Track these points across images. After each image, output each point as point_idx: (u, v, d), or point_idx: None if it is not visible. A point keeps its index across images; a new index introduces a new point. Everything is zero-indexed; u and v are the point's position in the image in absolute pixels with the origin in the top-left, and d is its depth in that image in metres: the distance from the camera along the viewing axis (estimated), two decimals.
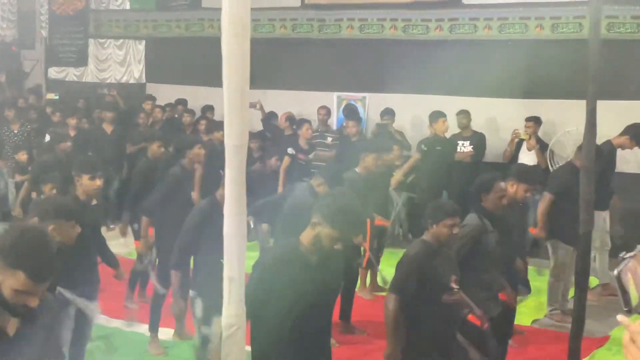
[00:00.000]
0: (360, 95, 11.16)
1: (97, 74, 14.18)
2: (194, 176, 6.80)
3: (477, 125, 9.59)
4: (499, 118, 9.97)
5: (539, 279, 7.46)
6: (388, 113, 10.11)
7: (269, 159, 8.65)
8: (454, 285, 4.28)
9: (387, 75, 10.78)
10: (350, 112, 10.27)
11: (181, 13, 13.01)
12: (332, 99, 11.19)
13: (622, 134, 7.53)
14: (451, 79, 9.90)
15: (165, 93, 12.71)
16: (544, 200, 6.97)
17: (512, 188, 5.44)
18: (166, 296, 6.43)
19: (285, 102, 11.16)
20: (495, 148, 9.66)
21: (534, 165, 8.44)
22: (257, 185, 8.45)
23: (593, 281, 7.66)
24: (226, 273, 3.22)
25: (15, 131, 10.72)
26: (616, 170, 7.77)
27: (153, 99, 12.11)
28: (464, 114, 9.47)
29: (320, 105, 10.42)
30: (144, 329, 6.47)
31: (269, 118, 10.88)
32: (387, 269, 7.81)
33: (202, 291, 5.05)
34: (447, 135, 9.44)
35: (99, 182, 5.08)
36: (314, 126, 10.26)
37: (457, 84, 9.97)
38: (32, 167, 8.63)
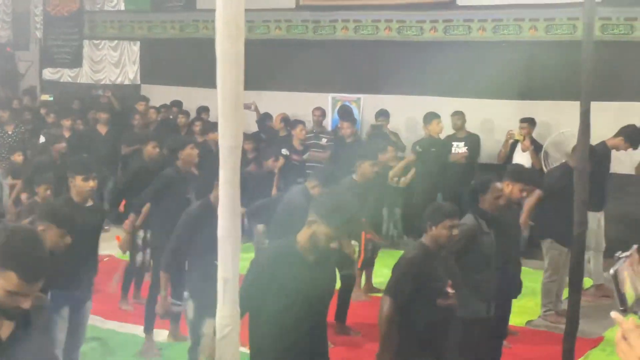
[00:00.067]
0: (355, 96, 11.16)
1: (91, 75, 14.16)
2: (190, 177, 6.77)
3: (471, 126, 9.60)
4: (493, 119, 9.98)
5: (533, 280, 7.46)
6: (383, 114, 10.11)
7: (266, 160, 8.64)
8: (449, 290, 4.27)
9: (382, 76, 10.78)
10: (345, 113, 10.27)
11: (176, 14, 13.00)
12: (327, 100, 11.19)
13: (617, 135, 7.55)
14: (446, 80, 9.92)
15: (160, 94, 12.69)
16: (533, 195, 6.92)
17: (507, 188, 5.44)
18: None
19: (280, 103, 11.15)
20: (490, 149, 9.67)
21: (532, 168, 8.46)
22: (252, 186, 8.48)
23: (587, 282, 7.67)
24: (220, 274, 3.22)
25: (10, 132, 10.69)
26: (610, 171, 7.79)
27: (146, 99, 12.10)
28: (459, 115, 9.49)
29: (315, 107, 10.42)
30: (138, 330, 6.46)
31: (264, 119, 10.87)
32: (382, 269, 7.82)
33: (195, 293, 5.04)
34: (442, 136, 9.46)
35: (92, 183, 5.06)
36: (309, 127, 10.27)
37: (452, 85, 9.98)
38: (26, 168, 8.61)
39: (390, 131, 10.00)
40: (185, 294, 5.17)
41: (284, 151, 9.24)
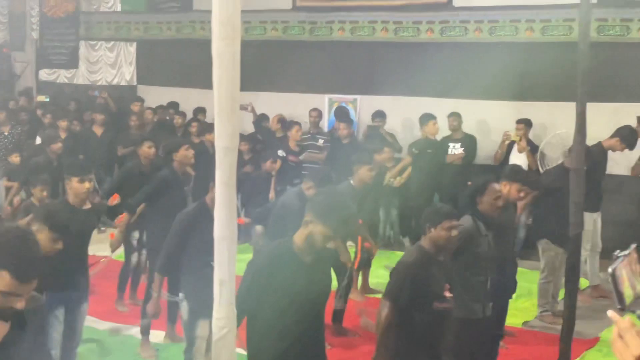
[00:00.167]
0: (351, 97, 11.16)
1: (88, 76, 14.14)
2: (187, 178, 6.77)
3: (468, 127, 9.61)
4: (489, 120, 9.99)
5: (529, 280, 7.47)
6: (379, 115, 10.12)
7: (264, 162, 8.64)
8: (447, 294, 4.26)
9: (379, 77, 10.78)
10: (342, 114, 10.27)
11: (172, 15, 12.98)
12: (324, 101, 11.19)
13: (613, 136, 7.55)
14: (442, 81, 9.92)
15: (157, 95, 12.68)
16: (528, 195, 6.90)
17: (505, 188, 5.45)
18: None
19: (277, 104, 11.15)
20: (486, 150, 9.68)
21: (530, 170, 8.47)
22: (249, 187, 8.49)
23: (583, 283, 7.68)
24: (217, 275, 3.21)
25: (6, 133, 10.68)
26: (606, 172, 7.79)
27: (141, 100, 12.09)
28: (455, 116, 9.49)
29: (311, 108, 10.42)
30: (135, 331, 6.45)
31: (261, 120, 10.87)
32: (378, 270, 7.83)
33: (190, 294, 5.04)
34: (438, 137, 9.46)
35: (88, 185, 5.04)
36: (306, 128, 10.26)
37: (448, 86, 9.99)
38: (22, 169, 8.59)
39: (387, 132, 10.01)
40: (181, 295, 5.16)
41: (281, 152, 9.24)
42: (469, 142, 9.49)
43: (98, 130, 10.82)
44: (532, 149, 9.10)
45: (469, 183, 5.70)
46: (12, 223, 4.27)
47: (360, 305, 7.13)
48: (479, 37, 10.13)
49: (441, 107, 9.66)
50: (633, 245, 2.52)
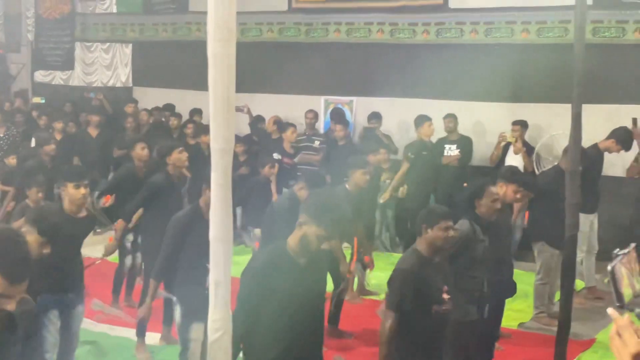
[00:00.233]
0: (347, 99, 11.16)
1: (83, 78, 14.12)
2: (182, 181, 6.75)
3: (464, 129, 9.62)
4: (485, 122, 10.00)
5: (525, 282, 7.47)
6: (375, 117, 10.13)
7: (262, 167, 8.64)
8: (445, 297, 4.25)
9: (374, 79, 10.79)
10: (338, 115, 10.27)
11: (168, 17, 12.98)
12: (320, 103, 11.19)
13: (608, 137, 7.57)
14: (438, 83, 9.93)
15: (153, 97, 12.67)
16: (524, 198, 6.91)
17: (501, 189, 5.45)
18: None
19: (273, 105, 11.15)
20: (482, 152, 9.69)
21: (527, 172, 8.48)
22: (246, 190, 8.47)
23: (579, 284, 7.69)
24: (212, 277, 3.20)
25: (1, 135, 10.66)
26: (602, 174, 7.81)
27: (135, 101, 12.08)
28: (451, 118, 9.50)
29: (307, 109, 10.42)
30: (130, 333, 6.44)
31: (257, 122, 10.87)
32: (375, 272, 7.82)
33: (183, 297, 5.02)
34: (434, 139, 9.46)
35: (83, 191, 4.99)
36: (302, 130, 10.27)
37: (444, 87, 9.99)
38: (17, 173, 8.56)
39: (383, 134, 10.01)
40: (174, 298, 5.15)
41: (276, 155, 9.24)
42: (465, 144, 9.49)
43: (93, 132, 10.80)
44: (528, 150, 9.11)
45: (465, 184, 5.71)
46: (2, 225, 4.24)
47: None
48: (475, 38, 10.14)
49: (437, 109, 9.66)
50: (632, 244, 2.53)
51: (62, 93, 14.03)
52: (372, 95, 10.76)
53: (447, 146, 9.45)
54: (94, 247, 7.48)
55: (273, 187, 8.68)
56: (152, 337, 6.41)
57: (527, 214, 7.55)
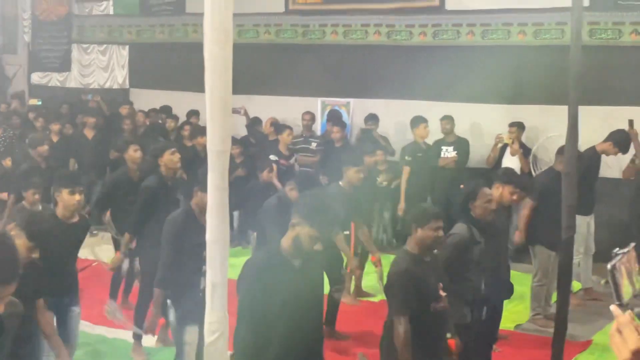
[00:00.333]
0: (344, 100, 11.17)
1: (80, 80, 14.11)
2: (177, 183, 6.72)
3: (460, 130, 9.63)
4: (482, 123, 10.00)
5: (522, 284, 7.47)
6: (372, 118, 10.13)
7: (260, 171, 8.63)
8: (441, 293, 4.27)
9: (371, 80, 10.79)
10: (335, 117, 10.28)
11: (165, 18, 12.97)
12: (317, 105, 11.19)
13: (606, 140, 7.56)
14: (435, 85, 9.93)
15: (149, 98, 12.66)
16: (526, 207, 6.99)
17: (497, 191, 5.46)
18: (150, 303, 6.41)
19: (270, 107, 11.15)
20: (479, 153, 9.69)
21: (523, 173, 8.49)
22: (248, 195, 8.48)
23: (576, 285, 7.69)
24: (209, 279, 3.21)
25: None
26: (599, 176, 7.81)
27: (130, 103, 12.08)
28: (448, 120, 9.50)
29: (304, 111, 10.42)
30: (127, 335, 6.43)
31: (254, 123, 10.87)
32: (372, 274, 7.81)
33: (177, 300, 5.01)
34: (431, 141, 9.47)
35: (78, 197, 4.95)
36: (299, 132, 10.27)
37: (441, 89, 9.99)
38: (12, 177, 8.54)
39: (380, 135, 10.01)
40: (169, 301, 5.13)
41: (272, 157, 9.24)
42: (462, 145, 9.50)
43: (89, 134, 10.78)
44: (525, 152, 9.12)
45: (462, 186, 5.71)
46: None
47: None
48: (472, 40, 10.15)
49: (434, 111, 9.66)
50: (632, 244, 2.54)
51: (58, 95, 14.02)
52: (369, 97, 10.76)
53: (443, 148, 9.46)
54: (90, 249, 7.47)
55: (277, 185, 8.66)
56: (148, 339, 6.40)
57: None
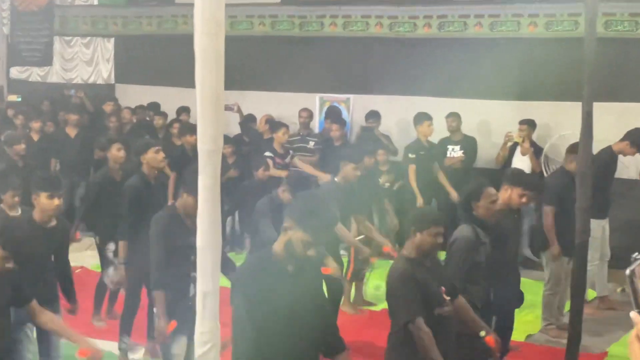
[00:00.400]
0: (344, 96, 11.16)
1: (62, 74, 14.09)
2: (161, 183, 6.71)
3: (467, 128, 9.63)
4: (491, 121, 10.01)
5: (533, 292, 7.48)
6: (373, 116, 10.12)
7: (255, 170, 8.63)
8: (445, 297, 4.29)
9: (373, 75, 10.79)
10: (334, 114, 10.27)
11: (153, 9, 12.96)
12: (315, 101, 11.18)
13: (623, 139, 7.56)
14: (440, 80, 9.93)
15: (136, 94, 12.65)
16: (547, 215, 6.93)
17: (506, 193, 5.46)
18: (136, 313, 6.41)
19: (265, 104, 11.14)
20: (487, 153, 9.69)
21: (533, 173, 8.49)
22: (243, 196, 8.47)
23: (591, 294, 7.70)
24: (200, 287, 3.21)
25: None
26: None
27: (114, 99, 12.06)
28: (454, 117, 9.50)
29: (301, 108, 10.42)
30: (113, 347, 6.42)
31: (248, 121, 10.86)
32: (374, 281, 7.82)
33: (166, 309, 4.99)
34: (436, 139, 9.47)
35: (57, 202, 4.93)
36: (295, 130, 10.26)
37: (447, 85, 10.00)
38: None
39: (382, 133, 10.01)
40: (155, 310, 5.12)
41: (268, 154, 9.24)
42: (469, 144, 9.50)
43: (71, 132, 10.76)
44: (536, 151, 9.12)
45: (464, 189, 5.71)
46: None
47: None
48: (480, 32, 10.15)
49: (439, 107, 9.67)
50: None
51: (39, 90, 14.00)
52: (370, 93, 10.77)
53: (450, 147, 9.46)
54: (73, 255, 7.45)
55: (279, 174, 8.64)
56: (136, 351, 6.40)
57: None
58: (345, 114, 10.84)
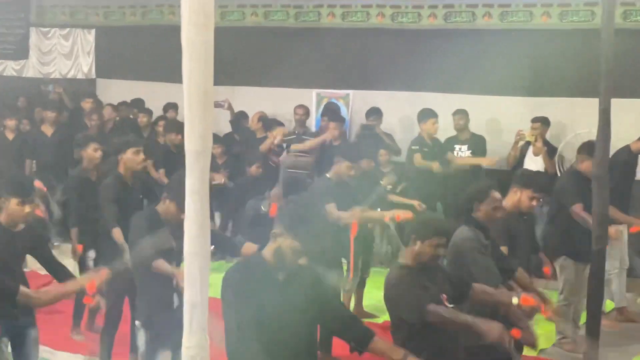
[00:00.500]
0: (343, 92, 11.18)
1: (39, 68, 14.09)
2: (142, 186, 6.72)
3: (476, 126, 9.64)
4: (501, 118, 10.02)
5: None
6: (374, 113, 10.13)
7: (248, 166, 8.64)
8: (446, 305, 4.30)
9: (374, 70, 10.80)
10: (332, 111, 10.28)
11: None
12: (311, 97, 11.19)
13: None
14: (446, 74, 9.95)
15: (119, 90, 12.66)
16: (578, 211, 6.79)
17: (515, 195, 5.47)
18: (118, 327, 6.40)
19: (257, 100, 11.15)
20: (497, 153, 9.69)
21: (539, 171, 8.49)
22: (238, 197, 8.48)
23: (609, 305, 7.71)
24: (187, 298, 3.20)
25: None
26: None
27: (94, 96, 12.06)
28: (461, 114, 9.51)
29: (297, 104, 10.43)
30: None
31: (239, 119, 10.87)
32: (374, 291, 7.82)
33: (148, 321, 5.00)
34: (442, 138, 9.48)
35: (28, 209, 4.91)
36: (290, 128, 10.27)
37: (453, 79, 10.02)
38: None
39: (383, 132, 10.02)
40: (137, 323, 5.13)
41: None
42: (478, 144, 9.51)
43: (48, 130, 10.76)
44: (550, 151, 9.13)
45: (470, 188, 5.71)
46: None
47: None
48: (489, 23, 10.17)
49: (445, 104, 9.68)
50: None
51: (14, 86, 13.98)
52: (371, 89, 10.78)
53: (457, 147, 9.47)
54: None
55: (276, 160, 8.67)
56: None
57: None
58: (344, 111, 10.85)
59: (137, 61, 12.67)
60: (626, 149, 7.55)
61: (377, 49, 10.85)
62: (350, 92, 11.12)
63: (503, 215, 5.21)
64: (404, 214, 6.77)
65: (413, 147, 9.20)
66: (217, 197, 9.13)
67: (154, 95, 11.88)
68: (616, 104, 5.12)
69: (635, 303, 8.15)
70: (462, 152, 9.45)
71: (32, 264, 5.54)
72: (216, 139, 8.93)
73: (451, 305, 4.34)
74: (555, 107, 9.57)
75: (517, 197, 5.47)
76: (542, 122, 9.25)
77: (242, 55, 11.16)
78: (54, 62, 13.94)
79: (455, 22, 10.40)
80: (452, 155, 9.27)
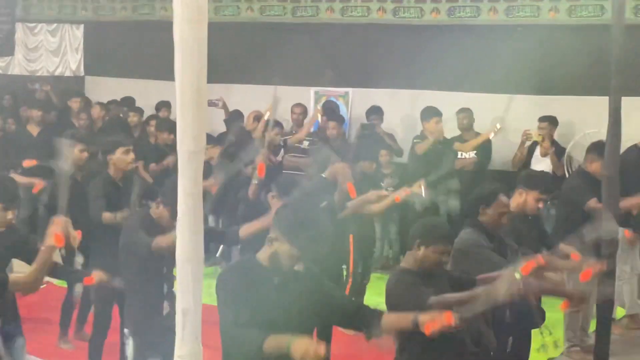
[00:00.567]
0: (342, 90, 11.18)
1: (25, 65, 14.09)
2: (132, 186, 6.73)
3: (481, 126, 9.64)
4: (507, 118, 10.02)
5: (554, 309, 7.48)
6: (375, 112, 10.14)
7: (245, 167, 8.65)
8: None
9: (374, 67, 10.81)
10: (331, 110, 10.28)
11: None
12: (309, 95, 11.20)
13: None
14: (450, 72, 9.95)
15: (108, 88, 12.66)
16: (594, 205, 6.78)
17: (520, 197, 5.48)
18: (107, 335, 6.40)
19: (253, 99, 11.14)
20: (503, 153, 9.71)
21: (545, 172, 8.50)
22: (234, 199, 8.47)
23: (619, 312, 7.71)
24: (179, 304, 3.20)
25: None
26: None
27: (82, 94, 12.04)
28: (466, 113, 9.52)
29: (294, 103, 10.43)
30: None
31: (234, 118, 10.86)
32: (374, 297, 7.81)
33: (137, 329, 5.01)
34: (446, 137, 9.48)
35: (10, 215, 4.92)
36: (288, 127, 10.27)
37: (457, 77, 10.02)
38: None
39: (384, 132, 10.02)
40: (126, 331, 5.14)
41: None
42: (482, 145, 9.51)
43: (34, 130, 10.75)
44: (558, 151, 9.14)
45: (477, 190, 5.72)
46: None
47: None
48: (494, 18, 10.18)
49: (449, 102, 9.68)
50: None
51: (0, 84, 13.99)
52: (372, 87, 10.79)
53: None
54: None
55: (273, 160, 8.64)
56: None
57: None
58: (343, 110, 10.86)
59: (128, 58, 12.67)
60: (635, 147, 7.55)
61: (378, 45, 10.85)
62: (350, 90, 11.13)
63: (508, 220, 5.23)
64: (404, 192, 6.77)
65: (415, 141, 9.21)
66: (208, 199, 9.14)
67: (145, 93, 11.88)
68: (627, 102, 5.12)
69: None
70: (466, 153, 9.44)
71: (18, 268, 5.54)
72: (210, 139, 8.93)
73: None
74: (563, 106, 9.58)
75: (522, 199, 5.47)
76: (550, 122, 9.26)
77: (236, 52, 11.16)
78: (41, 59, 13.95)
79: (459, 17, 10.41)
80: (459, 145, 9.27)
